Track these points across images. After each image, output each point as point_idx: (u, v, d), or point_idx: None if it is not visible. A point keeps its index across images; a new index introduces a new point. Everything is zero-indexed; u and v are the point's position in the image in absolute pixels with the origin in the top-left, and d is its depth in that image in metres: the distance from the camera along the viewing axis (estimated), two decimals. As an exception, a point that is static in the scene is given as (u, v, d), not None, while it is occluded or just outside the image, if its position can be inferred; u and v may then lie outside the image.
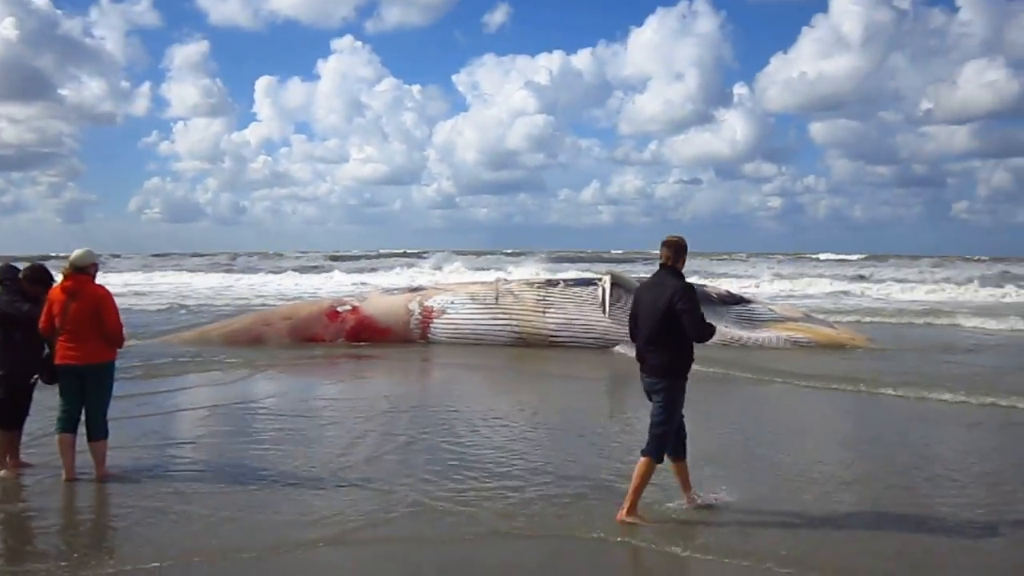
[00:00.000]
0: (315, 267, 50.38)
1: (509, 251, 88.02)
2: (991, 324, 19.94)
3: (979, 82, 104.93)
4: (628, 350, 14.53)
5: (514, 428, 9.15)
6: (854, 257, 62.41)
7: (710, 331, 5.91)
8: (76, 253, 6.97)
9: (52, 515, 6.31)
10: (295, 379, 12.89)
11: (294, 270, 46.15)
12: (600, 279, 16.10)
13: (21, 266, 7.49)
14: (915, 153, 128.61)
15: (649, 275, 6.61)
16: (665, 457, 6.07)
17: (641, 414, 7.15)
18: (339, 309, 16.27)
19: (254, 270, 48.30)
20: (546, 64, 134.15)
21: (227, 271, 48.55)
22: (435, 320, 15.96)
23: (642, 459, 5.97)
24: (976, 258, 61.33)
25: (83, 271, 6.94)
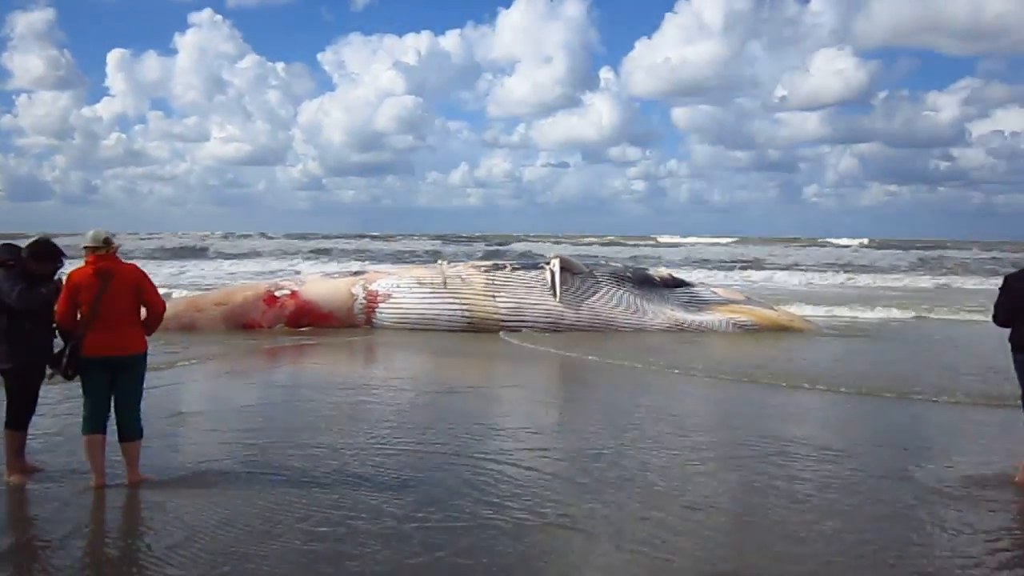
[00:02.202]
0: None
1: (376, 234, 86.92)
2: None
3: (829, 70, 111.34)
4: (510, 337, 14.45)
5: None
6: (724, 241, 65.29)
7: None
8: (95, 230, 6.08)
9: (92, 529, 5.49)
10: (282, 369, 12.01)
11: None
12: (548, 263, 15.87)
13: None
14: (770, 138, 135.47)
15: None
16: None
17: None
18: (277, 294, 15.35)
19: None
20: (414, 44, 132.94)
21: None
22: (380, 304, 15.30)
23: None
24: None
25: (108, 247, 6.07)
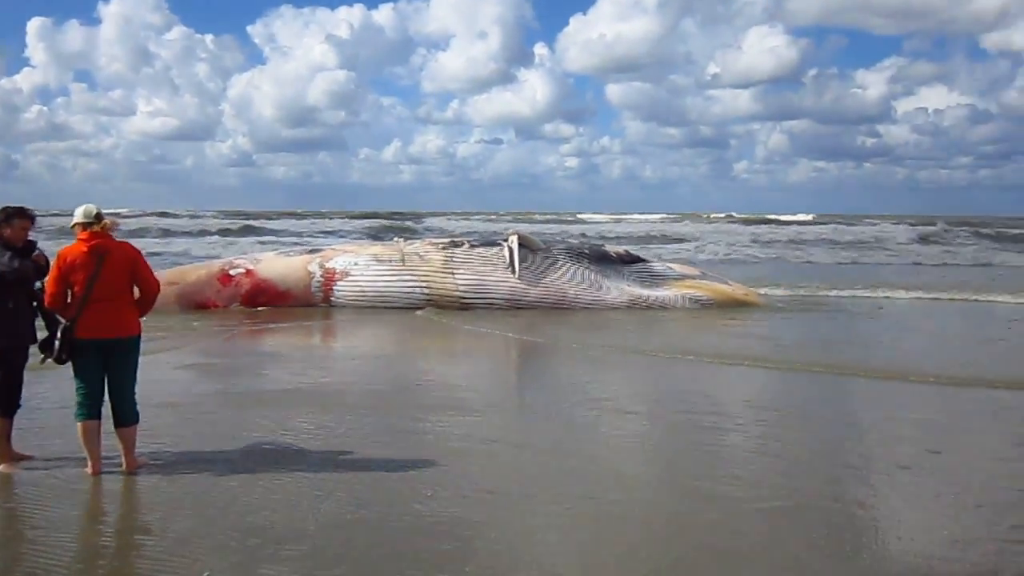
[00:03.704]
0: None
1: (300, 211, 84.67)
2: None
3: (761, 48, 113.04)
4: (430, 314, 14.47)
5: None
6: (657, 216, 66.12)
7: None
8: (86, 206, 5.82)
9: (89, 517, 5.31)
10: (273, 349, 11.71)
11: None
12: (506, 239, 15.82)
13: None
14: (702, 115, 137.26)
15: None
16: None
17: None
18: (232, 272, 14.99)
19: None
20: (346, 18, 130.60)
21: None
22: (338, 282, 15.08)
23: None
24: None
25: (100, 223, 5.81)
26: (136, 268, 5.84)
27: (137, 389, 6.03)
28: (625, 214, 73.75)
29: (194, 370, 9.91)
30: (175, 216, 52.95)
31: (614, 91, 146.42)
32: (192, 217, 52.81)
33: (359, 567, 4.46)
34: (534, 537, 4.93)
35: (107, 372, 5.83)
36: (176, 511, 5.22)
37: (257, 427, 7.13)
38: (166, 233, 38.55)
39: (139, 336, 5.95)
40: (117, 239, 5.94)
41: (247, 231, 41.27)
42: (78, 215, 5.76)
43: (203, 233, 39.26)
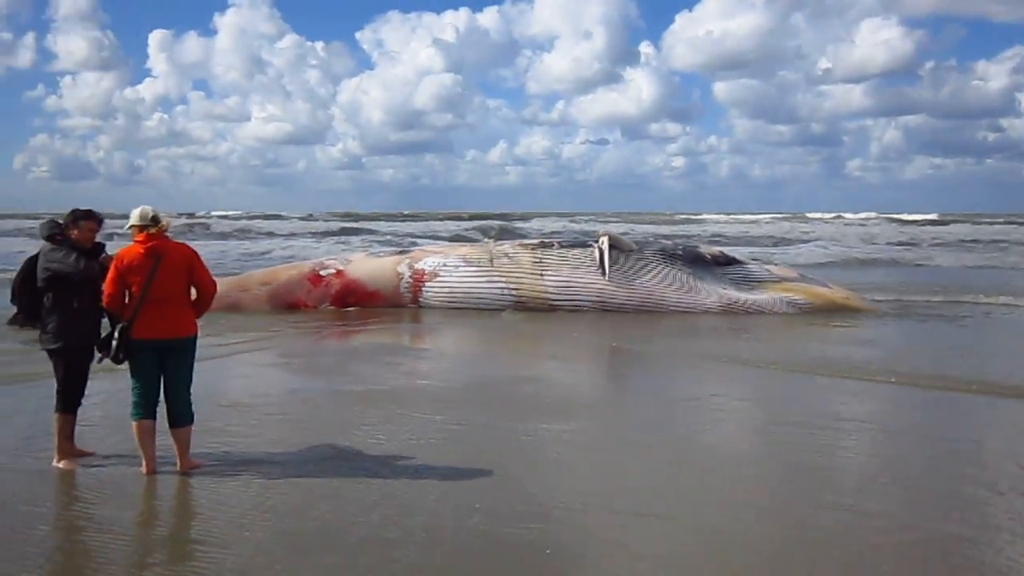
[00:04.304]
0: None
1: (407, 212, 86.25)
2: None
3: (874, 41, 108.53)
4: (512, 316, 14.11)
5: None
6: (767, 216, 64.56)
7: None
8: (143, 208, 5.85)
9: (141, 516, 5.29)
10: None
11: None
12: (596, 240, 15.48)
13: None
14: (813, 112, 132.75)
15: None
16: None
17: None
18: (322, 273, 15.14)
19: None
20: (452, 21, 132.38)
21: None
22: (427, 283, 15.03)
23: None
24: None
25: (157, 225, 5.82)
26: (193, 269, 5.84)
27: (198, 389, 6.04)
28: (733, 214, 72.29)
29: (273, 369, 10.02)
30: (279, 218, 54.59)
31: (721, 89, 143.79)
32: (302, 219, 54.32)
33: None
34: (589, 560, 4.63)
35: (163, 372, 5.84)
36: (219, 513, 5.16)
37: (321, 429, 7.06)
38: (271, 235, 39.68)
39: (195, 337, 5.94)
40: (174, 240, 5.97)
41: (349, 232, 42.06)
42: (134, 217, 5.79)
43: (308, 234, 40.28)
